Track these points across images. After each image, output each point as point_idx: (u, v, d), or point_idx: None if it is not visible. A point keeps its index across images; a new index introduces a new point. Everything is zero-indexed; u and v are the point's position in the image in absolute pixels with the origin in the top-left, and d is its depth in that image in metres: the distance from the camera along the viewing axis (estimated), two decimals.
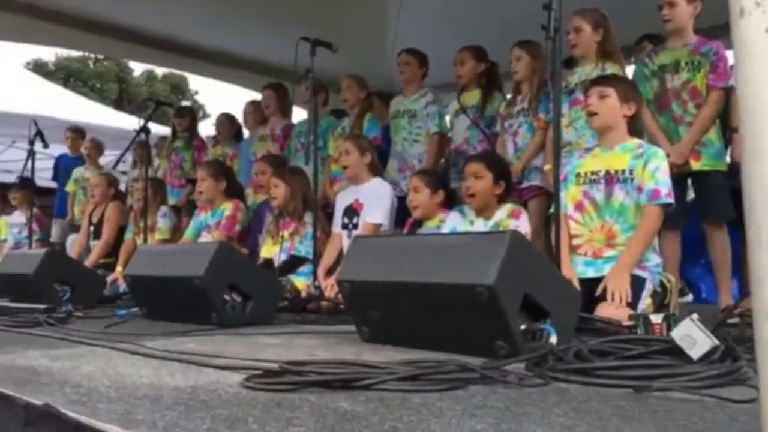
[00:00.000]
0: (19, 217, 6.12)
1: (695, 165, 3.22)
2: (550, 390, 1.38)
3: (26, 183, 5.58)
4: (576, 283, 2.61)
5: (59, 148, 6.65)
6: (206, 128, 7.48)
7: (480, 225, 3.23)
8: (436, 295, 1.86)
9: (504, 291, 1.72)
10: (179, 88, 27.33)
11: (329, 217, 4.08)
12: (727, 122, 3.43)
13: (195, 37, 5.92)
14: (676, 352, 1.46)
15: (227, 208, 4.39)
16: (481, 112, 4.02)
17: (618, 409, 1.21)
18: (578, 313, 2.06)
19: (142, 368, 1.64)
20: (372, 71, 5.12)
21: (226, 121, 5.69)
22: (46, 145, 5.13)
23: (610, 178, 2.80)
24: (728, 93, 3.15)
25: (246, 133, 5.58)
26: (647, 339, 1.69)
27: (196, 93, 28.51)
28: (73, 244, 5.67)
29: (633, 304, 2.55)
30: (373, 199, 3.83)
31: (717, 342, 1.44)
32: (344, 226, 3.91)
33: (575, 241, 2.86)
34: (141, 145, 5.00)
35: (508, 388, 1.38)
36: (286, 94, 4.90)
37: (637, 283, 2.62)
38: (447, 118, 4.29)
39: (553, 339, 1.74)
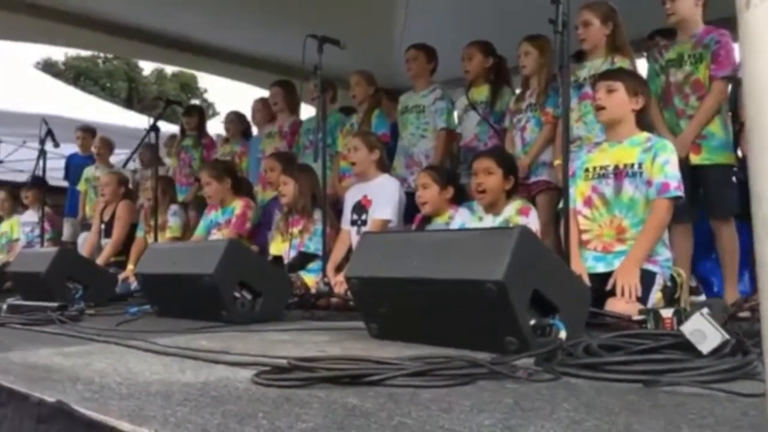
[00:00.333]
0: (31, 216, 6.17)
1: (695, 159, 3.17)
2: (559, 385, 1.37)
3: (38, 182, 5.62)
4: (586, 279, 2.61)
5: (70, 148, 6.69)
6: (216, 126, 7.51)
7: (489, 221, 3.23)
8: (445, 291, 1.87)
9: (513, 287, 1.72)
10: (189, 86, 27.43)
11: (339, 213, 4.09)
12: (738, 115, 3.39)
13: (203, 36, 5.93)
14: (686, 346, 1.46)
15: (237, 206, 4.41)
16: (491, 108, 4.01)
17: (627, 403, 1.21)
18: (588, 309, 2.06)
19: (154, 365, 1.66)
20: (380, 67, 5.11)
21: (235, 118, 5.71)
22: (56, 145, 5.17)
23: (619, 173, 2.79)
24: (737, 84, 3.11)
25: (255, 130, 5.60)
26: (657, 334, 1.69)
27: (206, 91, 28.63)
28: (84, 243, 5.71)
29: (643, 299, 2.54)
30: (382, 196, 3.83)
31: (727, 336, 1.43)
32: (353, 223, 3.92)
33: (584, 236, 2.85)
34: (147, 147, 5.02)
35: (517, 384, 1.38)
36: (294, 91, 4.91)
37: (647, 278, 2.61)
38: (455, 114, 4.28)
39: (563, 334, 1.74)
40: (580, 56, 3.49)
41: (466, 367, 1.42)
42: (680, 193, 2.68)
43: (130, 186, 5.86)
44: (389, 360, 1.45)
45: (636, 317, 2.19)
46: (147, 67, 26.53)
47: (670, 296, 2.67)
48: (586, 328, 1.99)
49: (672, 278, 2.71)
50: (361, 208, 3.91)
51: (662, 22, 3.60)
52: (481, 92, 4.05)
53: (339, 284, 3.36)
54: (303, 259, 3.90)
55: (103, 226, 5.45)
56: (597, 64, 3.37)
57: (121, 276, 4.52)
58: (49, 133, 5.03)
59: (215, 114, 21.82)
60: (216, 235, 4.42)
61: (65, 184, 6.83)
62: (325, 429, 1.03)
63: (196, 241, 4.41)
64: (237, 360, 1.65)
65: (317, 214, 3.88)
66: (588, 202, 2.86)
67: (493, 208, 3.25)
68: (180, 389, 1.34)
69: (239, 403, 1.21)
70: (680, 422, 1.07)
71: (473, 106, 4.02)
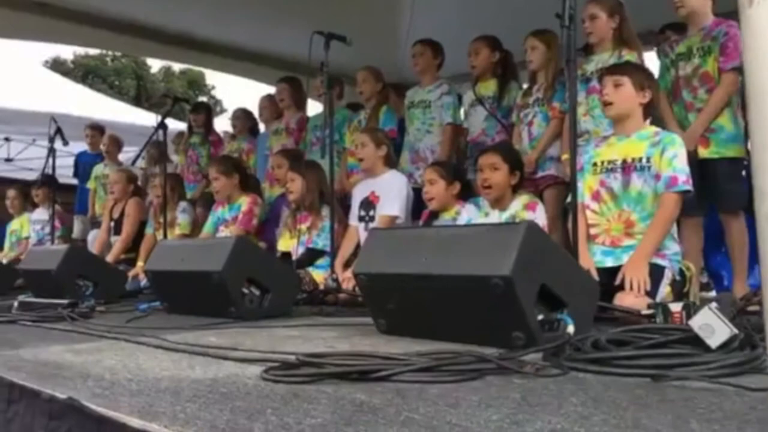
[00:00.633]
0: (41, 213, 6.20)
1: (703, 152, 3.14)
2: (567, 380, 1.38)
3: (48, 180, 5.65)
4: (594, 273, 2.60)
5: (79, 146, 6.73)
6: (223, 123, 7.52)
7: (495, 217, 3.22)
8: (453, 287, 1.87)
9: (520, 282, 1.72)
10: (196, 83, 27.50)
11: (347, 209, 4.09)
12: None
13: (211, 33, 5.95)
14: (694, 341, 1.46)
15: (244, 202, 4.43)
16: (498, 103, 4.00)
17: (635, 398, 1.21)
18: (596, 303, 2.05)
19: (163, 361, 1.67)
20: (387, 63, 5.11)
21: (242, 115, 5.72)
22: (65, 143, 5.19)
23: (627, 167, 2.78)
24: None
25: (262, 127, 5.60)
26: (665, 328, 1.68)
27: (213, 88, 28.69)
28: (94, 240, 5.75)
29: (652, 293, 2.53)
30: (389, 192, 3.83)
31: (735, 330, 1.43)
32: (361, 219, 3.92)
33: (593, 231, 2.84)
34: (154, 145, 5.03)
35: (525, 379, 1.38)
36: (300, 88, 4.91)
37: (656, 272, 2.60)
38: (462, 110, 4.27)
39: (571, 329, 1.74)
40: (588, 49, 3.47)
41: (474, 363, 1.43)
42: (689, 187, 2.66)
43: (139, 183, 5.88)
44: (397, 356, 1.46)
45: (645, 312, 2.18)
46: (155, 64, 26.64)
47: (679, 290, 2.66)
48: (595, 322, 1.98)
49: (681, 272, 2.70)
50: (368, 204, 3.91)
51: (673, 16, 3.58)
52: (488, 87, 4.04)
53: (347, 280, 3.37)
54: (311, 256, 3.91)
55: (112, 224, 5.48)
56: (604, 57, 3.35)
57: (130, 273, 4.54)
58: (59, 131, 5.05)
59: (223, 111, 21.87)
60: (223, 231, 4.44)
61: (75, 182, 6.87)
62: (333, 425, 1.03)
63: (205, 238, 4.42)
64: (246, 356, 1.66)
65: (325, 211, 3.89)
66: (596, 197, 2.85)
67: (499, 203, 3.25)
68: (189, 385, 1.35)
69: (248, 399, 1.21)
70: (688, 417, 1.07)
71: (480, 101, 4.01)
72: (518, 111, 3.84)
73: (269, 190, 4.87)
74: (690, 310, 1.95)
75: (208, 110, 6.25)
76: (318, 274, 3.73)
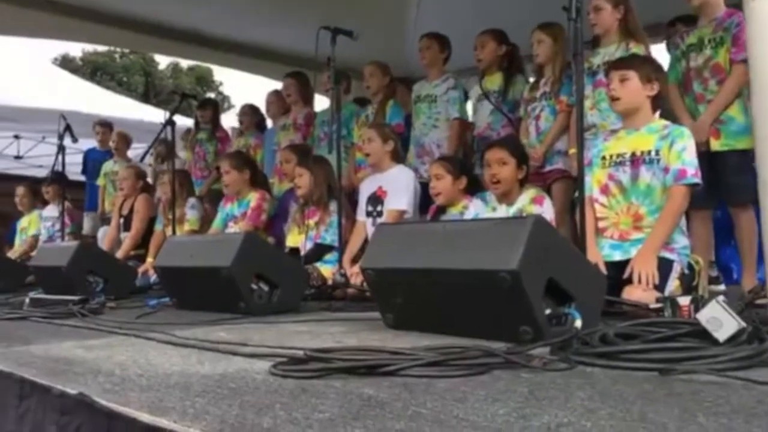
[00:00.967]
0: (51, 210, 6.24)
1: (714, 145, 3.11)
2: (574, 374, 1.38)
3: (58, 177, 5.69)
4: (602, 267, 2.60)
5: (88, 143, 6.77)
6: (231, 119, 7.54)
7: (502, 211, 3.22)
8: (460, 281, 1.87)
9: (527, 276, 1.72)
10: (204, 79, 27.53)
11: (355, 204, 4.10)
12: None
13: (218, 29, 5.96)
14: (702, 334, 1.45)
15: (253, 198, 4.44)
16: (503, 96, 3.99)
17: (642, 392, 1.21)
18: (604, 297, 2.05)
19: (173, 357, 1.68)
20: (394, 57, 5.10)
21: (249, 111, 5.73)
22: (75, 140, 5.22)
23: (636, 160, 2.77)
24: None
25: (269, 123, 5.61)
26: (673, 322, 1.68)
27: (221, 84, 28.70)
28: (104, 237, 5.78)
29: (660, 287, 2.53)
30: (397, 187, 3.83)
31: (743, 324, 1.42)
32: (368, 214, 3.93)
33: (601, 224, 2.84)
34: (162, 142, 5.05)
35: (532, 373, 1.39)
36: (307, 82, 4.91)
37: (665, 265, 2.60)
38: (469, 104, 4.26)
39: (578, 323, 1.74)
40: (595, 42, 3.45)
41: (481, 357, 1.43)
42: (697, 180, 2.65)
43: (149, 180, 5.91)
44: (404, 350, 1.46)
45: (653, 305, 2.18)
46: (163, 61, 26.68)
47: (688, 284, 2.65)
48: (604, 316, 1.98)
49: (690, 266, 2.70)
50: (376, 199, 3.91)
51: (682, 7, 3.55)
52: (494, 81, 4.03)
53: (355, 275, 3.37)
54: (319, 251, 3.92)
55: (122, 220, 5.52)
56: (610, 50, 3.34)
57: (140, 269, 4.56)
58: (68, 128, 5.08)
59: (231, 107, 21.90)
60: (232, 227, 4.46)
61: (84, 178, 6.91)
62: (341, 419, 1.04)
63: (214, 234, 4.44)
64: (254, 351, 1.67)
65: (333, 206, 3.89)
66: (605, 190, 2.84)
67: (506, 197, 3.24)
68: (198, 381, 1.36)
69: (257, 394, 1.22)
70: (695, 410, 1.07)
71: (486, 95, 4.00)
72: (525, 105, 3.83)
73: (278, 184, 4.89)
74: (698, 304, 1.95)
75: (215, 106, 6.27)
76: (326, 269, 3.74)
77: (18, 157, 9.17)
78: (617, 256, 2.73)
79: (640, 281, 2.53)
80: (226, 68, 7.35)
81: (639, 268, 2.56)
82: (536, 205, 3.16)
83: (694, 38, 3.25)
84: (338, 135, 3.67)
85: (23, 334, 2.20)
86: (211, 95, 21.98)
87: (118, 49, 24.04)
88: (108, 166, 6.36)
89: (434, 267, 1.94)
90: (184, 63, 25.63)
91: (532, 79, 3.94)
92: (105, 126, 6.70)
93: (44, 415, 1.29)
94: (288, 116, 5.14)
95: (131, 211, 5.41)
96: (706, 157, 2.96)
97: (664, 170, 2.70)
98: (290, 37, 5.70)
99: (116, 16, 5.50)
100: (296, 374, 1.38)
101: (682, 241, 2.72)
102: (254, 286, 2.73)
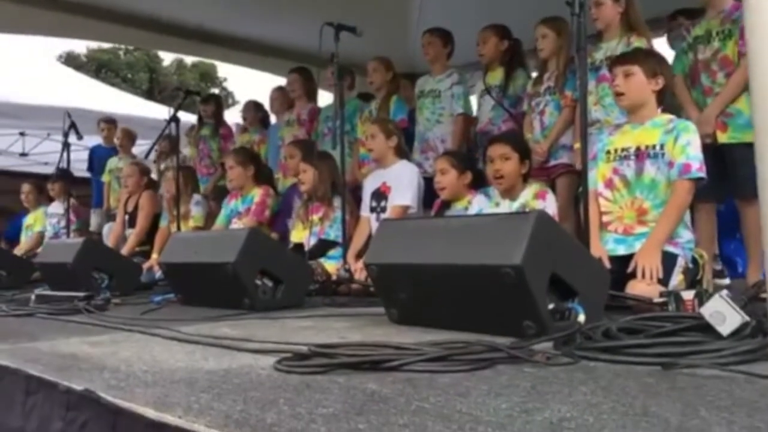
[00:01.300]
0: (57, 207, 6.26)
1: (721, 137, 3.09)
2: (577, 369, 1.38)
3: (63, 174, 5.70)
4: (606, 262, 2.60)
5: (94, 140, 6.78)
6: (235, 115, 7.54)
7: (505, 206, 3.22)
8: (464, 277, 1.87)
9: (530, 271, 1.72)
10: (208, 75, 27.54)
11: (359, 200, 4.10)
12: None
13: (221, 26, 5.97)
14: (705, 328, 1.45)
15: (257, 194, 4.45)
16: (504, 91, 3.98)
17: (645, 386, 1.21)
18: (607, 292, 2.05)
19: (178, 353, 1.69)
20: (398, 53, 5.10)
21: (253, 107, 5.74)
22: (80, 137, 5.24)
23: (641, 154, 2.76)
24: None
25: (273, 118, 5.62)
26: (677, 316, 1.68)
27: (225, 80, 28.72)
28: (109, 233, 5.80)
29: (664, 281, 2.52)
30: (401, 182, 3.83)
31: (747, 318, 1.42)
32: (372, 210, 3.93)
33: (605, 218, 2.83)
34: (166, 138, 5.06)
35: (536, 368, 1.39)
36: (311, 78, 4.92)
37: (669, 260, 2.59)
38: (473, 99, 4.25)
39: (582, 318, 1.74)
40: (598, 37, 3.44)
41: (485, 352, 1.44)
42: (702, 174, 2.64)
43: (153, 176, 5.92)
44: (408, 345, 1.47)
45: (657, 299, 2.18)
46: (167, 57, 26.69)
47: (692, 278, 2.65)
48: (607, 310, 1.98)
49: (694, 260, 2.69)
50: (380, 195, 3.92)
51: (683, 0, 3.54)
52: (496, 76, 4.03)
53: (359, 271, 3.38)
54: (323, 246, 3.93)
55: (127, 217, 5.53)
56: (612, 45, 3.32)
57: (145, 265, 4.58)
58: (73, 125, 5.10)
59: (235, 103, 21.92)
60: (237, 224, 4.46)
61: (90, 175, 6.93)
62: (345, 414, 1.04)
63: (218, 230, 4.46)
64: (259, 347, 1.68)
65: (337, 201, 3.90)
66: (609, 184, 2.84)
67: (509, 192, 3.24)
68: (203, 376, 1.37)
69: (261, 390, 1.23)
70: (698, 404, 1.07)
71: (488, 90, 4.00)
72: (529, 100, 3.82)
73: (283, 180, 4.89)
74: (702, 298, 1.94)
75: (218, 101, 6.27)
76: (330, 264, 3.75)
77: (23, 155, 9.20)
78: (621, 251, 2.73)
79: (644, 275, 2.52)
80: (230, 64, 7.35)
81: (643, 263, 2.55)
82: (539, 200, 3.16)
83: (701, 30, 3.23)
84: (342, 130, 3.67)
85: (29, 331, 2.22)
86: (215, 91, 21.98)
87: (123, 46, 24.03)
88: (113, 162, 6.39)
89: (438, 262, 1.95)
90: (188, 59, 25.67)
91: (535, 74, 3.93)
92: (110, 123, 6.72)
93: (51, 411, 1.30)
94: (292, 112, 5.15)
95: (136, 207, 5.43)
96: (711, 150, 2.95)
97: (668, 164, 2.69)
98: (294, 33, 5.70)
99: (120, 14, 5.51)
100: (300, 370, 1.38)
101: (686, 235, 2.72)
102: (258, 282, 2.74)
